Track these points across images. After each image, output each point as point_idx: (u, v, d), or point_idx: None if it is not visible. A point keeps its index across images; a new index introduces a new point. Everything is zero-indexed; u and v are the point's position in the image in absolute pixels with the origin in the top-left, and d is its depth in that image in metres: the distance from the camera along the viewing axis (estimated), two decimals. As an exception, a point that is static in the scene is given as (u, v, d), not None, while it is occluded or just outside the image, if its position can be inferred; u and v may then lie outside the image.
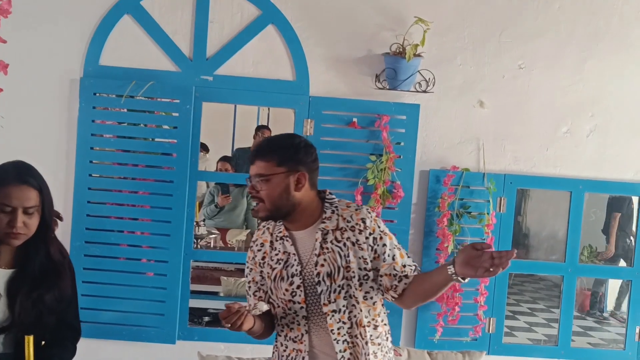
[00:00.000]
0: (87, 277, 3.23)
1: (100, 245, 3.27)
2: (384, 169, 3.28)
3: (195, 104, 3.25)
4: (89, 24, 3.24)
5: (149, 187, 3.27)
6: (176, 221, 3.26)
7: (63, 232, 3.15)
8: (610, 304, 5.18)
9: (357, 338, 2.09)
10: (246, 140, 5.97)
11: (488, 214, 3.33)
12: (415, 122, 3.33)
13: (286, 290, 2.12)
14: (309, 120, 3.30)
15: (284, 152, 2.08)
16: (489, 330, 3.39)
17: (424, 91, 3.31)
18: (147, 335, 3.28)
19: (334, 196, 2.20)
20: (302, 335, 2.13)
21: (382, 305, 2.18)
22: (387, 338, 2.19)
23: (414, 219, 3.39)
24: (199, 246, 4.67)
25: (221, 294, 4.56)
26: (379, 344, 2.13)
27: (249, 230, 5.85)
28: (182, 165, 3.26)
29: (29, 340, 1.87)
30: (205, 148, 4.85)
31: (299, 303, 2.11)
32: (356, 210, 2.15)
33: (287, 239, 2.15)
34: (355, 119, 3.32)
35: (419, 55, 3.23)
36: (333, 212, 2.14)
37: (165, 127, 3.31)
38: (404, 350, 3.03)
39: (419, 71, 3.27)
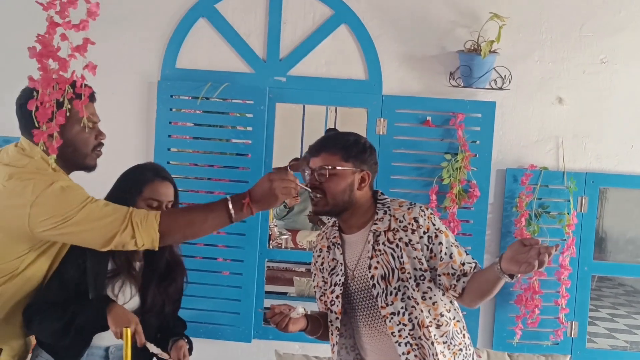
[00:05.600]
0: (165, 276, 3.29)
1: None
2: (459, 167, 3.22)
3: (269, 104, 3.28)
4: (165, 28, 3.32)
5: (224, 187, 3.32)
6: (251, 220, 3.29)
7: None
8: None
9: (422, 339, 2.02)
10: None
11: (568, 213, 3.23)
12: (491, 120, 3.26)
13: (327, 297, 2.13)
14: (382, 119, 3.28)
15: (352, 149, 2.08)
16: (571, 335, 3.27)
17: (500, 88, 3.23)
18: (224, 334, 3.33)
19: (386, 196, 2.17)
20: (333, 345, 2.14)
21: (450, 302, 2.10)
22: (464, 335, 2.11)
23: (490, 219, 3.31)
24: (271, 247, 4.72)
25: (294, 295, 4.59)
26: (446, 343, 2.05)
27: (318, 232, 5.87)
28: (256, 166, 3.29)
29: (127, 332, 1.95)
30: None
31: (335, 313, 2.11)
32: (408, 209, 2.09)
33: (338, 246, 2.14)
34: (429, 118, 3.28)
35: (494, 52, 3.16)
36: (385, 212, 2.10)
37: (240, 127, 3.35)
38: (483, 351, 2.96)
39: (494, 68, 3.19)
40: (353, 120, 5.77)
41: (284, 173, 1.95)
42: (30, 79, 1.84)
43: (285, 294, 4.69)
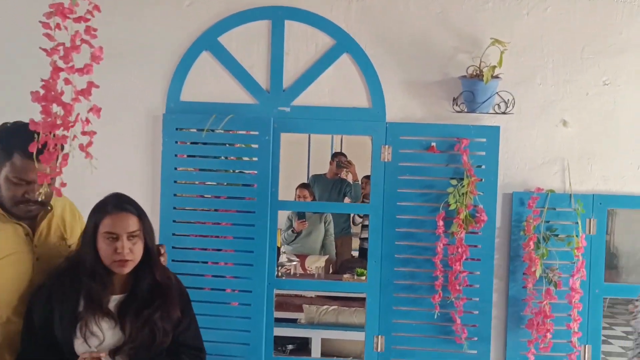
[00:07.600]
0: (174, 308, 3.29)
1: (185, 277, 3.30)
2: (465, 192, 3.22)
3: (274, 135, 3.30)
4: (169, 62, 3.36)
5: (231, 218, 3.33)
6: (259, 251, 3.30)
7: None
8: None
9: None
10: (321, 168, 6.04)
11: (577, 236, 3.21)
12: (495, 144, 3.26)
13: None
14: (387, 146, 3.28)
15: None
16: (584, 358, 3.24)
17: (504, 112, 3.24)
18: (233, 365, 3.31)
19: None
20: None
21: None
22: None
23: (498, 243, 3.30)
24: (279, 273, 4.71)
25: (303, 322, 4.58)
26: None
27: (327, 257, 5.87)
28: (263, 196, 3.30)
29: None
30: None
31: None
32: None
33: None
34: (433, 144, 3.28)
35: (496, 77, 3.17)
36: None
37: (245, 158, 3.37)
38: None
39: (497, 93, 3.20)
40: (358, 145, 5.82)
41: None
42: (31, 121, 1.86)
43: (295, 320, 4.69)
